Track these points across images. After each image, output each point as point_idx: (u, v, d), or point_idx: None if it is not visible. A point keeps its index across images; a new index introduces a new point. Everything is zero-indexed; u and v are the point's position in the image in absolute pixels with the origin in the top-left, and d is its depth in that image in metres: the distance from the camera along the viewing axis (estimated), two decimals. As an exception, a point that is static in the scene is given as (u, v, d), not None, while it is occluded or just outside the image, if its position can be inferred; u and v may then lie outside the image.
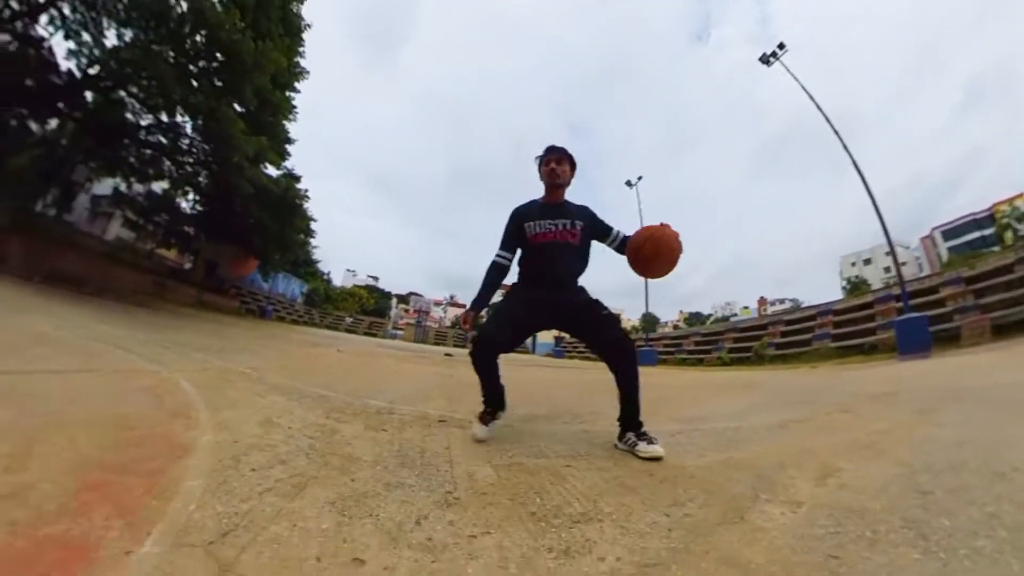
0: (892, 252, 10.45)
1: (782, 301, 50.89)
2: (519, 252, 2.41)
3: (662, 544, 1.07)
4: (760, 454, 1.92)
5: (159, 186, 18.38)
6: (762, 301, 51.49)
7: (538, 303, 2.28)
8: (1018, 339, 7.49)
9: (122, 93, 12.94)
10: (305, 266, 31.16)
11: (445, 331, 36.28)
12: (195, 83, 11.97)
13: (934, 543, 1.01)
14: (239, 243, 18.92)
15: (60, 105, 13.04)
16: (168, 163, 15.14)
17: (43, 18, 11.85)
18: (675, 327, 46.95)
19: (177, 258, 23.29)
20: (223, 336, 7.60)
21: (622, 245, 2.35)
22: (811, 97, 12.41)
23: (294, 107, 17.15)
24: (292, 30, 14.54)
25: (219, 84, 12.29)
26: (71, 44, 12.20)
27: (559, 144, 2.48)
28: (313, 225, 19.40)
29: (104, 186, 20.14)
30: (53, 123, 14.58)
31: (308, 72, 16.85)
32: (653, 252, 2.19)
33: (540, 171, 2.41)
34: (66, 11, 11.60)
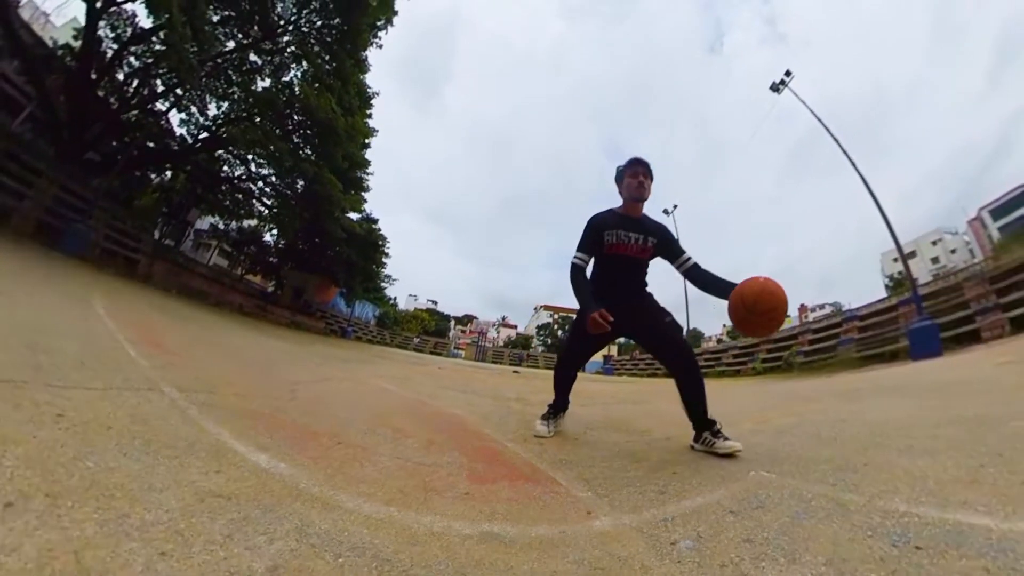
0: (902, 257, 10.87)
1: (823, 306, 49.32)
2: (593, 260, 2.45)
3: (665, 438, 2.67)
4: (733, 415, 3.44)
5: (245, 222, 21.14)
6: (803, 308, 50.14)
7: (610, 312, 2.20)
8: None
9: (220, 152, 15.72)
10: (375, 292, 33.90)
11: (502, 351, 38.08)
12: (301, 152, 14.46)
13: (778, 448, 2.53)
14: (322, 273, 21.88)
15: (175, 161, 16.25)
16: (257, 204, 17.99)
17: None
18: (719, 340, 46.67)
19: (262, 282, 25.83)
20: (352, 357, 9.44)
21: (691, 271, 2.36)
22: (818, 118, 12.38)
23: (369, 161, 19.57)
24: (364, 99, 16.89)
25: (318, 152, 14.67)
26: (183, 115, 15.46)
27: (641, 158, 2.41)
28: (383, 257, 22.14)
29: (203, 222, 24.42)
30: (167, 174, 18.06)
31: (377, 130, 18.94)
32: (768, 310, 1.96)
33: (623, 182, 2.39)
34: (179, 91, 14.40)
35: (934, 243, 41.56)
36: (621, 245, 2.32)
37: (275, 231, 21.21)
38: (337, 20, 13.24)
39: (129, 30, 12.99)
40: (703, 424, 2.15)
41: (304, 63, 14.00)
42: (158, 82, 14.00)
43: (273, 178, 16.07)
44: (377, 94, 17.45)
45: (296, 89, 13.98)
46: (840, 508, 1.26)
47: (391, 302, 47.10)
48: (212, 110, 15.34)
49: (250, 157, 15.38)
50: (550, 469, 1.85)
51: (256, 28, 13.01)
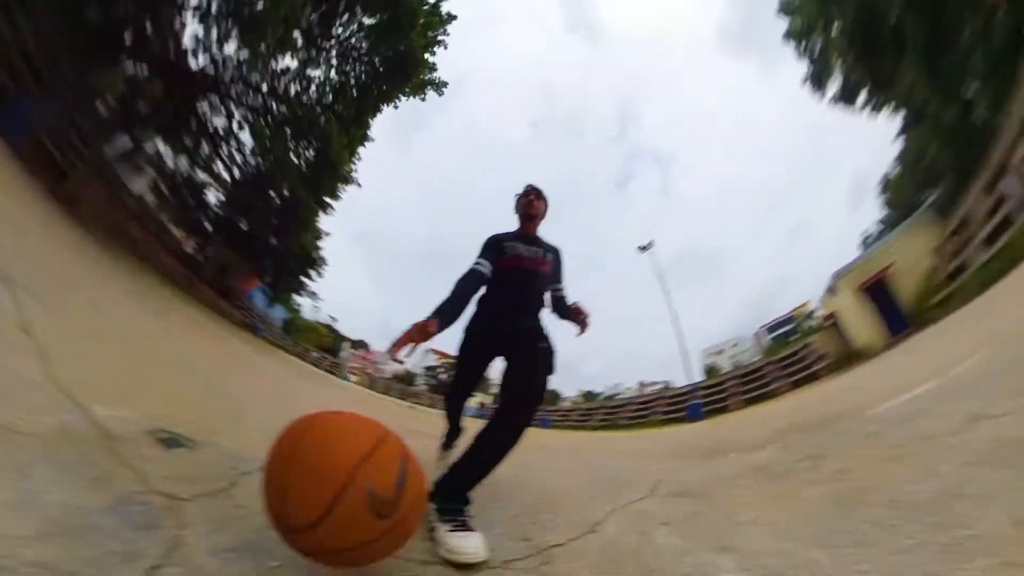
0: (686, 368, 16.07)
1: (656, 383, 57.95)
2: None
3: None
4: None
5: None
6: (641, 384, 58.36)
7: (491, 333, 2.04)
8: (757, 406, 11.32)
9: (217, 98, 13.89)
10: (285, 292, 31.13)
11: (390, 383, 38.17)
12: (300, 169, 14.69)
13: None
14: (252, 260, 19.48)
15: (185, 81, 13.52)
16: (219, 164, 15.47)
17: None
18: (574, 404, 52.46)
19: (183, 238, 20.32)
20: (300, 372, 10.85)
21: (558, 300, 2.20)
22: (661, 276, 18.35)
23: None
24: (363, 141, 16.57)
25: (313, 174, 14.85)
26: (199, 31, 12.86)
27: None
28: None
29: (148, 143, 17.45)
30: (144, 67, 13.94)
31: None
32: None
33: (518, 204, 2.26)
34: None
35: (734, 346, 57.69)
36: (520, 256, 2.11)
37: (221, 196, 17.65)
38: (378, 60, 13.36)
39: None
40: (460, 498, 1.47)
41: (332, 73, 13.68)
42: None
43: (249, 156, 14.86)
44: (373, 140, 16.74)
45: (314, 93, 13.86)
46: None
47: (297, 308, 44.57)
48: (228, 48, 13.31)
49: (237, 117, 14.00)
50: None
51: (315, 15, 12.41)
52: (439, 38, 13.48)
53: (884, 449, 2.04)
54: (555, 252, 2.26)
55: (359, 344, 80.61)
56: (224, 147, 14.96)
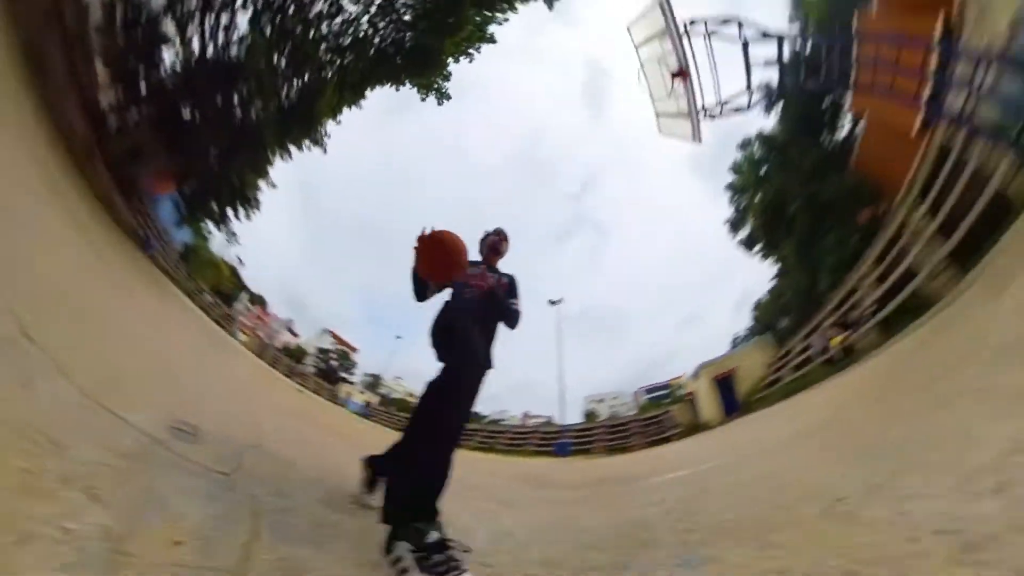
0: (561, 410, 18.05)
1: (538, 417, 62.35)
2: (449, 297, 2.34)
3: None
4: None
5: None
6: (525, 415, 61.70)
7: (474, 377, 2.00)
8: (612, 456, 13.43)
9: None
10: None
11: (279, 356, 32.90)
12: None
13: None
14: (177, 155, 14.35)
15: None
16: (197, 30, 12.50)
17: None
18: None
19: (103, 81, 14.73)
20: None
21: (513, 313, 2.35)
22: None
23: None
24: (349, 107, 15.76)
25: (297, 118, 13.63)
26: None
27: None
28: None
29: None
30: None
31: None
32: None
33: (486, 240, 2.60)
34: None
35: (614, 398, 63.34)
36: (479, 276, 2.31)
37: (178, 65, 13.02)
38: (408, 38, 12.90)
39: None
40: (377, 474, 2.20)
41: (364, 19, 12.56)
42: None
43: (234, 44, 12.22)
44: (360, 108, 15.75)
45: (336, 25, 12.50)
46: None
47: (207, 236, 36.40)
48: None
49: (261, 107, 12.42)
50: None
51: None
52: (469, 50, 13.74)
53: (627, 500, 3.39)
54: (510, 278, 2.52)
55: (257, 300, 73.75)
56: (211, 16, 11.99)
